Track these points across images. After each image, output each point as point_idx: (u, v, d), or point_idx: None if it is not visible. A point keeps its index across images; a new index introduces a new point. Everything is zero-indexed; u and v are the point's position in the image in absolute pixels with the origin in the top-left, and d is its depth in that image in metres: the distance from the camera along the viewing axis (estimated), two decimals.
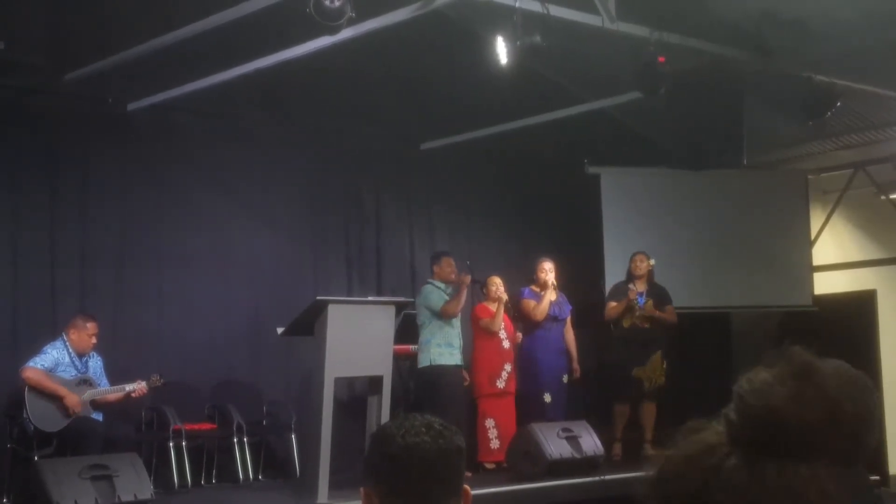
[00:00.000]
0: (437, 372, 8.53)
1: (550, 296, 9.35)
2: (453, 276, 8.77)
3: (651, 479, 1.19)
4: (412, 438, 1.94)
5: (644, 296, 9.54)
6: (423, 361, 8.59)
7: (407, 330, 8.84)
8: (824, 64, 8.64)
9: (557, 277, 9.42)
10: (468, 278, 8.77)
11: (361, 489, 2.01)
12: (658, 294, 9.60)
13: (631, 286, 9.52)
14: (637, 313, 9.47)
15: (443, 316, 8.62)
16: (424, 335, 8.66)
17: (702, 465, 1.14)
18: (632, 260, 9.62)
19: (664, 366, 9.54)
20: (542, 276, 9.37)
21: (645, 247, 9.77)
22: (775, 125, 10.23)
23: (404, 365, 9.11)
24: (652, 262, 9.59)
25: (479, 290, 9.28)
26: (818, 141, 10.87)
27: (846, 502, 1.13)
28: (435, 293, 8.71)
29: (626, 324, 9.54)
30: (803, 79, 8.74)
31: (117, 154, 8.83)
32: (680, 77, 8.40)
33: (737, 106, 8.97)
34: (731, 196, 10.90)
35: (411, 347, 8.86)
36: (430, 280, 8.93)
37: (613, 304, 9.58)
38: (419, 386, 8.35)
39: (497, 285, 9.09)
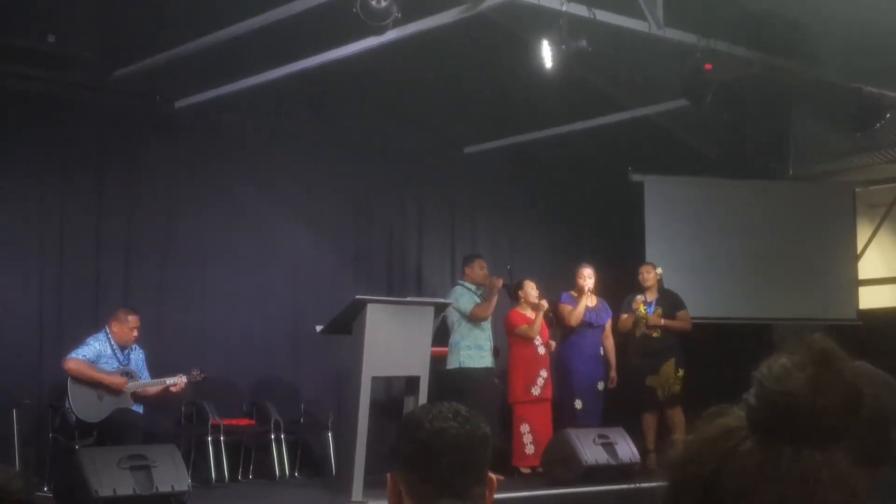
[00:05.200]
0: (465, 374, 8.55)
1: (586, 302, 9.33)
2: (484, 280, 8.76)
3: (670, 460, 1.20)
4: (440, 423, 1.96)
5: (654, 305, 9.53)
6: (452, 363, 8.62)
7: (445, 332, 8.85)
8: (874, 75, 8.56)
9: (598, 284, 9.39)
10: (500, 282, 8.74)
11: (388, 475, 2.02)
12: (669, 301, 9.57)
13: (640, 297, 9.52)
14: (641, 322, 9.45)
15: (473, 319, 8.63)
16: (454, 337, 8.67)
17: (718, 448, 1.14)
18: (639, 272, 9.63)
19: (679, 374, 9.46)
20: (581, 282, 9.35)
21: (687, 256, 9.74)
22: (822, 136, 10.14)
23: (441, 366, 9.12)
24: (659, 271, 9.60)
25: (513, 293, 9.21)
26: (866, 153, 10.74)
27: (862, 490, 1.13)
28: (466, 295, 8.71)
29: (637, 333, 9.53)
30: (852, 90, 8.66)
31: (164, 151, 8.94)
32: (726, 85, 8.37)
33: (783, 116, 8.92)
34: (775, 207, 10.79)
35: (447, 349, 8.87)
36: (460, 281, 8.95)
37: (624, 316, 9.59)
38: (447, 388, 8.36)
39: (533, 289, 9.07)
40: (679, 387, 9.44)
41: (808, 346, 1.16)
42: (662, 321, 9.46)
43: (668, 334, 9.51)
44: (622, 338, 9.67)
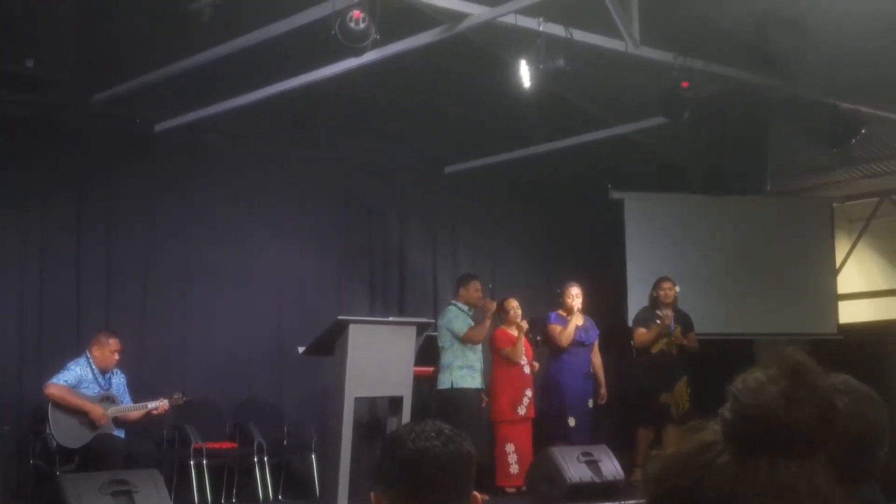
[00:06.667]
0: (459, 395, 8.56)
1: (576, 321, 9.34)
2: (479, 302, 8.78)
3: (649, 476, 1.21)
4: (422, 443, 1.96)
5: (673, 323, 9.52)
6: (444, 383, 8.62)
7: (428, 351, 8.85)
8: (849, 91, 8.63)
9: (582, 302, 9.40)
10: (493, 305, 8.78)
11: (372, 493, 2.02)
12: (683, 320, 9.59)
13: (660, 312, 9.49)
14: (665, 340, 9.45)
15: (465, 343, 8.64)
16: (446, 357, 8.68)
17: (696, 462, 1.16)
18: (659, 287, 9.57)
19: (689, 391, 9.50)
20: (569, 301, 9.36)
21: (668, 272, 9.73)
22: (799, 152, 10.21)
23: (424, 386, 9.11)
24: (678, 288, 9.58)
25: (496, 313, 9.22)
26: (844, 169, 10.83)
27: (838, 501, 1.14)
28: (460, 317, 8.72)
29: (654, 350, 9.50)
30: (828, 105, 8.72)
31: (144, 174, 8.93)
32: (704, 102, 8.42)
33: (761, 132, 8.95)
34: (754, 223, 10.87)
35: (432, 369, 8.86)
36: (453, 301, 8.95)
37: (643, 330, 9.53)
38: (440, 407, 8.40)
39: (514, 308, 9.08)
40: (688, 404, 9.45)
41: (782, 360, 1.18)
42: (685, 340, 9.47)
43: (682, 352, 9.53)
44: (624, 351, 9.63)
